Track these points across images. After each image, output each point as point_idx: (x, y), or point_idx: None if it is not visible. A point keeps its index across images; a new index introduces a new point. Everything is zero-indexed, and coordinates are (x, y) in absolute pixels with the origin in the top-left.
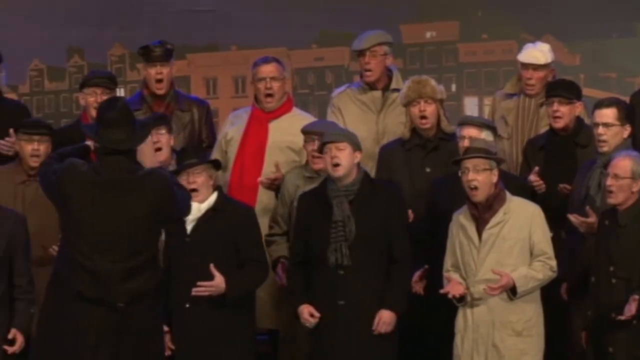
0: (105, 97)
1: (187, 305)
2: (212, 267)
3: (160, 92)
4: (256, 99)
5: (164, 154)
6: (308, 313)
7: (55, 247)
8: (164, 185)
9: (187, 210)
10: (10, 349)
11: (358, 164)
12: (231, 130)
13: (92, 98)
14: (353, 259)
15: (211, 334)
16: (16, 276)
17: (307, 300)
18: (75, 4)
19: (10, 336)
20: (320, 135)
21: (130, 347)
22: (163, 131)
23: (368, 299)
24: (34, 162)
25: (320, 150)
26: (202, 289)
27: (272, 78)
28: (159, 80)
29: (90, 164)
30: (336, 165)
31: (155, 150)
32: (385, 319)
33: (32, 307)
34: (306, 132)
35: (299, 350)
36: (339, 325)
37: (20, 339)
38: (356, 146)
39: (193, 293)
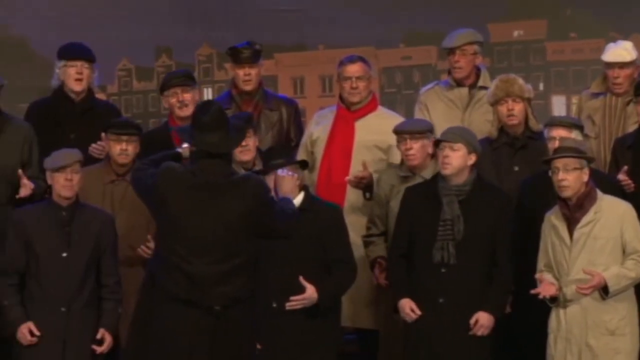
0: (186, 95)
1: (275, 305)
2: (301, 279)
3: (248, 88)
4: (341, 97)
5: (249, 153)
6: (409, 308)
7: (144, 248)
8: (259, 190)
9: (288, 225)
10: (98, 349)
11: (472, 165)
12: (317, 130)
13: (174, 99)
14: (458, 259)
15: (298, 333)
16: (104, 276)
17: (408, 295)
18: (163, 4)
19: (98, 336)
20: (411, 134)
21: (224, 351)
22: (250, 134)
23: (468, 299)
24: (123, 161)
25: (436, 145)
26: (295, 302)
27: (358, 77)
28: (247, 82)
29: (186, 167)
30: (446, 163)
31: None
32: (483, 322)
33: (119, 307)
34: (398, 132)
35: (397, 349)
36: (438, 323)
37: (108, 339)
38: (472, 148)
39: (287, 307)
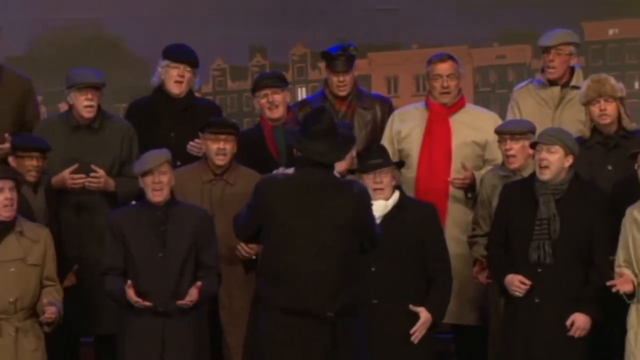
0: (276, 97)
1: (375, 301)
2: (411, 306)
3: (342, 94)
4: (431, 94)
5: (343, 164)
6: (518, 280)
7: (243, 246)
8: (365, 196)
9: (379, 238)
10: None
11: (569, 166)
12: (405, 126)
13: (264, 100)
14: (554, 258)
15: (397, 331)
16: (203, 269)
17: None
18: (258, 3)
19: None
20: (512, 135)
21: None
22: None
23: (565, 299)
24: (220, 161)
25: (533, 147)
26: (417, 334)
27: (449, 75)
28: (341, 88)
29: (291, 174)
30: (544, 167)
31: None
32: (580, 323)
33: (215, 288)
34: (499, 132)
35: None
36: (534, 322)
37: (194, 293)
38: (569, 149)
39: (414, 340)
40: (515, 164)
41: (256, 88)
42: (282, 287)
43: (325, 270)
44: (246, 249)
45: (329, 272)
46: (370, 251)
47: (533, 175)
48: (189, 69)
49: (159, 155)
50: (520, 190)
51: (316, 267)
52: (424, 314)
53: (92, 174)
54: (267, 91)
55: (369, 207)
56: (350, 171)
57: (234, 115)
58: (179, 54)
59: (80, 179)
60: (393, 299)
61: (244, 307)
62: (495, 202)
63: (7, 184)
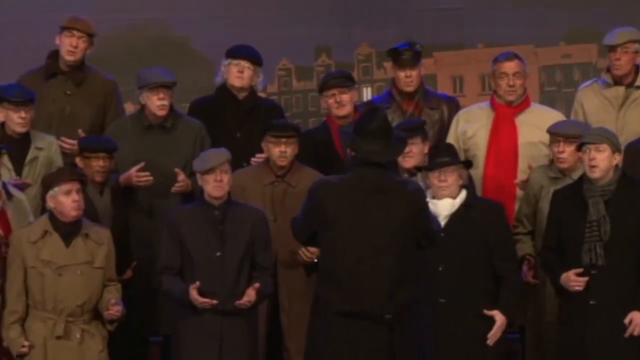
0: (344, 96)
1: (443, 301)
2: (485, 312)
3: (409, 89)
4: (496, 94)
5: (412, 161)
6: (574, 274)
7: (304, 250)
8: (420, 195)
9: (437, 235)
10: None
11: (617, 165)
12: (470, 127)
13: (332, 99)
14: (607, 259)
15: (465, 331)
16: (258, 270)
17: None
18: (323, 3)
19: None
20: (565, 137)
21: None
22: (417, 140)
23: (621, 300)
24: (281, 162)
25: (579, 148)
26: (494, 338)
27: (515, 74)
28: (409, 83)
29: (345, 175)
30: (593, 167)
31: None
32: (638, 321)
33: (271, 289)
34: (552, 132)
35: (547, 349)
36: (590, 325)
37: (252, 293)
38: (615, 148)
39: (488, 342)
40: (564, 165)
41: (324, 87)
42: (339, 290)
43: (382, 271)
44: (307, 253)
45: (385, 273)
46: (430, 248)
47: (581, 178)
48: (249, 65)
49: (221, 154)
50: (570, 195)
51: (372, 269)
52: (499, 317)
53: (179, 178)
54: (335, 91)
55: (424, 205)
56: (417, 168)
57: (299, 115)
58: (240, 51)
59: (145, 177)
60: (461, 298)
61: (305, 311)
62: (542, 203)
63: (75, 185)
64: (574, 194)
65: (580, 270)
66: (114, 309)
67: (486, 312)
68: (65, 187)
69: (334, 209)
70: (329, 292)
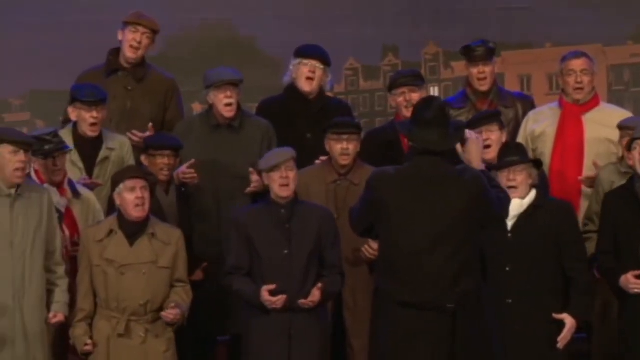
0: (414, 95)
1: (509, 301)
2: (554, 316)
3: (483, 88)
4: (564, 92)
5: (492, 152)
6: (633, 276)
7: (368, 247)
8: (478, 182)
9: (505, 211)
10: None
11: None
12: (538, 126)
13: (401, 98)
14: None
15: (532, 332)
16: (326, 268)
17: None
18: (390, 2)
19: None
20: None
21: (465, 352)
22: (494, 128)
23: None
24: (344, 161)
25: (629, 146)
26: (564, 341)
27: (582, 71)
28: (482, 80)
29: (402, 165)
30: None
31: (484, 147)
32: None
33: (339, 287)
34: (622, 127)
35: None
36: None
37: (317, 294)
38: None
39: (559, 346)
40: (631, 161)
41: (393, 86)
42: (399, 281)
43: (442, 261)
44: (370, 250)
45: (446, 263)
46: (497, 225)
47: (632, 178)
48: (320, 65)
49: (286, 152)
50: (622, 196)
51: (433, 259)
52: (568, 321)
53: (252, 178)
54: (405, 89)
55: (484, 190)
56: (489, 167)
57: (366, 114)
58: (311, 51)
59: (190, 175)
60: (528, 299)
61: (369, 309)
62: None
63: (139, 183)
64: (626, 195)
65: (639, 272)
66: (171, 312)
67: (555, 315)
68: (130, 183)
69: (391, 200)
70: (388, 283)
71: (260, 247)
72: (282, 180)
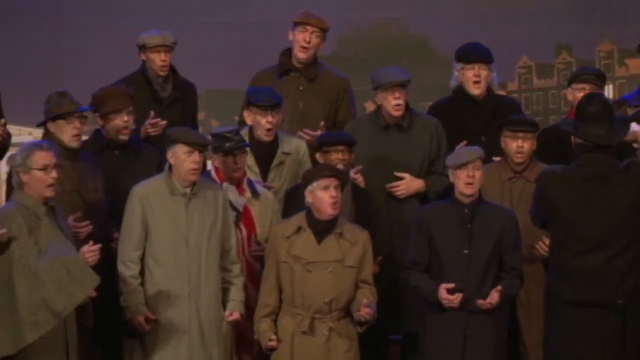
0: None
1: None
2: None
3: None
4: None
5: None
6: None
7: (542, 244)
8: None
9: None
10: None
11: None
12: None
13: (580, 94)
14: None
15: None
16: (505, 270)
17: None
18: (564, 1)
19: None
20: None
21: (636, 348)
22: None
23: None
24: (519, 159)
25: None
26: None
27: None
28: None
29: (570, 164)
30: None
31: None
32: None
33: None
34: None
35: None
36: None
37: (495, 296)
38: None
39: None
40: None
41: (575, 80)
42: (569, 279)
43: (612, 258)
44: (544, 247)
45: (615, 259)
46: None
47: None
48: (484, 67)
49: (475, 151)
50: None
51: (601, 256)
52: None
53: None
54: (585, 86)
55: None
56: None
57: (540, 113)
58: (471, 54)
59: (358, 180)
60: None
61: (542, 306)
62: None
63: (333, 182)
64: None
65: None
66: (365, 310)
67: None
68: (324, 182)
69: (559, 199)
70: (558, 281)
71: (441, 245)
72: (468, 179)
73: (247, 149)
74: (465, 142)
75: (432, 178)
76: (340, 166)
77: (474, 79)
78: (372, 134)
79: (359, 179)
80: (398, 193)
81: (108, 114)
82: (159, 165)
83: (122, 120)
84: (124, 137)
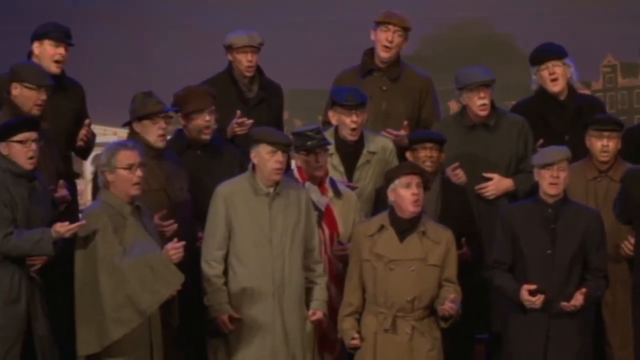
0: None
1: None
2: None
3: None
4: None
5: None
6: None
7: (627, 244)
8: None
9: None
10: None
11: None
12: None
13: None
14: None
15: None
16: (590, 271)
17: None
18: None
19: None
20: None
21: None
22: None
23: None
24: (603, 158)
25: None
26: None
27: None
28: None
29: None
30: None
31: None
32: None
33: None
34: None
35: None
36: None
37: (580, 298)
38: None
39: None
40: None
41: None
42: None
43: None
44: (629, 246)
45: None
46: None
47: None
48: (558, 63)
49: (562, 151)
50: None
51: None
52: None
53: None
54: None
55: None
56: None
57: (624, 112)
58: (542, 54)
59: (457, 176)
60: None
61: (628, 305)
62: None
63: (415, 179)
64: None
65: None
66: (449, 305)
67: None
68: (405, 179)
69: None
70: None
71: (524, 245)
72: (552, 179)
73: (330, 147)
74: (541, 141)
75: (520, 177)
76: (428, 164)
77: (550, 77)
78: (458, 135)
79: (460, 174)
80: (487, 194)
81: (190, 114)
82: (241, 165)
83: (204, 120)
84: (206, 137)
